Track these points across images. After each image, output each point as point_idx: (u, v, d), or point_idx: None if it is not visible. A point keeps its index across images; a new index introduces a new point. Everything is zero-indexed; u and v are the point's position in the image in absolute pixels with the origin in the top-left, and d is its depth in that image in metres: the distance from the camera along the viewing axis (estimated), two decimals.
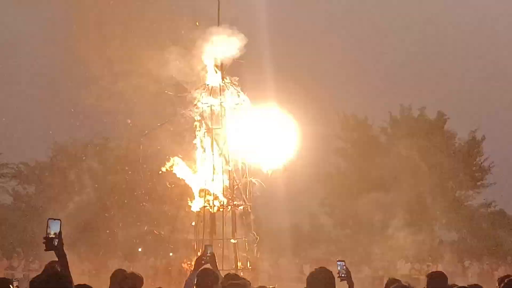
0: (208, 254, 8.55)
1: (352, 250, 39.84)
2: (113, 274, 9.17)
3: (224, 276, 7.59)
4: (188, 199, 19.65)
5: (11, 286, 8.84)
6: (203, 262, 8.47)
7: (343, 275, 7.38)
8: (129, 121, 23.64)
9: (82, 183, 38.54)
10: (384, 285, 8.10)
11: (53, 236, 6.22)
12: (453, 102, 55.18)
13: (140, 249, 35.57)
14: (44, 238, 6.24)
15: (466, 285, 8.64)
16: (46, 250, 6.30)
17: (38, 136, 40.18)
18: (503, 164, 44.97)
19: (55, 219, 6.33)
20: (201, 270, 8.06)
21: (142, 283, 8.38)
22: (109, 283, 8.87)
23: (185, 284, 8.26)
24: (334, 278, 6.36)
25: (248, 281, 6.27)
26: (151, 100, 20.71)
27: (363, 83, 61.37)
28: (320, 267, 6.51)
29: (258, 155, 19.62)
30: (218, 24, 19.78)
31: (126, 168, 37.38)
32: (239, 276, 8.36)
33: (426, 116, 43.83)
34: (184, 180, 19.70)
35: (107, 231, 35.33)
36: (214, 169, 19.32)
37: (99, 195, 37.04)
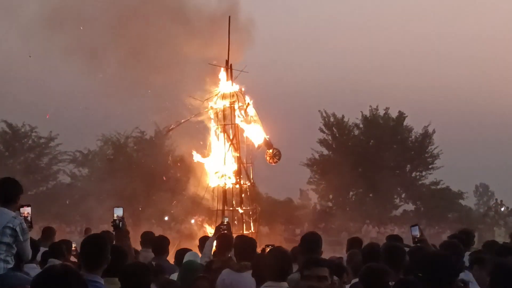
0: (225, 223, 8.64)
1: (332, 217, 39.97)
2: (143, 233, 9.33)
3: (235, 237, 7.76)
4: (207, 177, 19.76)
5: (73, 245, 9.08)
6: (221, 229, 8.55)
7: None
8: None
9: (124, 165, 38.71)
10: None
11: (117, 219, 6.38)
12: (410, 104, 55.24)
13: (166, 218, 35.48)
14: (112, 221, 6.42)
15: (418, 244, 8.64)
16: (113, 231, 6.49)
17: (90, 130, 40.24)
18: (449, 152, 45.16)
19: (118, 207, 6.49)
20: (220, 235, 8.16)
21: (168, 242, 8.49)
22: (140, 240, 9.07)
23: (206, 245, 8.30)
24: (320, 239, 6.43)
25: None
26: (177, 103, 20.81)
27: (340, 89, 61.46)
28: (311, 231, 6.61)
29: (259, 144, 19.74)
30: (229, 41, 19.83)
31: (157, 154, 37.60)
32: (246, 236, 8.41)
33: (390, 114, 43.88)
34: (203, 165, 19.83)
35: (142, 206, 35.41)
36: (225, 155, 19.43)
37: (137, 175, 37.05)
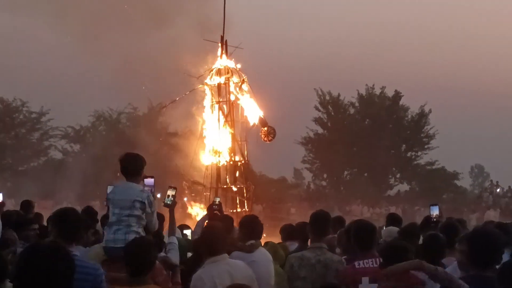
0: (217, 203, 8.73)
1: (326, 196, 40.09)
2: None
3: (243, 216, 7.80)
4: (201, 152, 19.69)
5: None
6: (213, 209, 8.64)
7: None
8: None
9: (116, 141, 38.60)
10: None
11: (169, 196, 7.00)
12: (407, 83, 55.30)
13: (159, 195, 35.39)
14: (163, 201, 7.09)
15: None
16: (164, 206, 7.14)
17: (82, 105, 40.13)
18: (445, 132, 45.30)
19: (173, 187, 7.05)
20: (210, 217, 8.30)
21: (163, 218, 8.53)
22: None
23: (197, 224, 8.41)
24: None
25: None
26: (171, 80, 20.71)
27: (336, 67, 61.42)
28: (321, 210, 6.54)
29: (254, 122, 19.64)
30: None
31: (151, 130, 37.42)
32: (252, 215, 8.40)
33: (386, 93, 43.80)
34: (197, 142, 19.77)
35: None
36: (220, 132, 19.33)
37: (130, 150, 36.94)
